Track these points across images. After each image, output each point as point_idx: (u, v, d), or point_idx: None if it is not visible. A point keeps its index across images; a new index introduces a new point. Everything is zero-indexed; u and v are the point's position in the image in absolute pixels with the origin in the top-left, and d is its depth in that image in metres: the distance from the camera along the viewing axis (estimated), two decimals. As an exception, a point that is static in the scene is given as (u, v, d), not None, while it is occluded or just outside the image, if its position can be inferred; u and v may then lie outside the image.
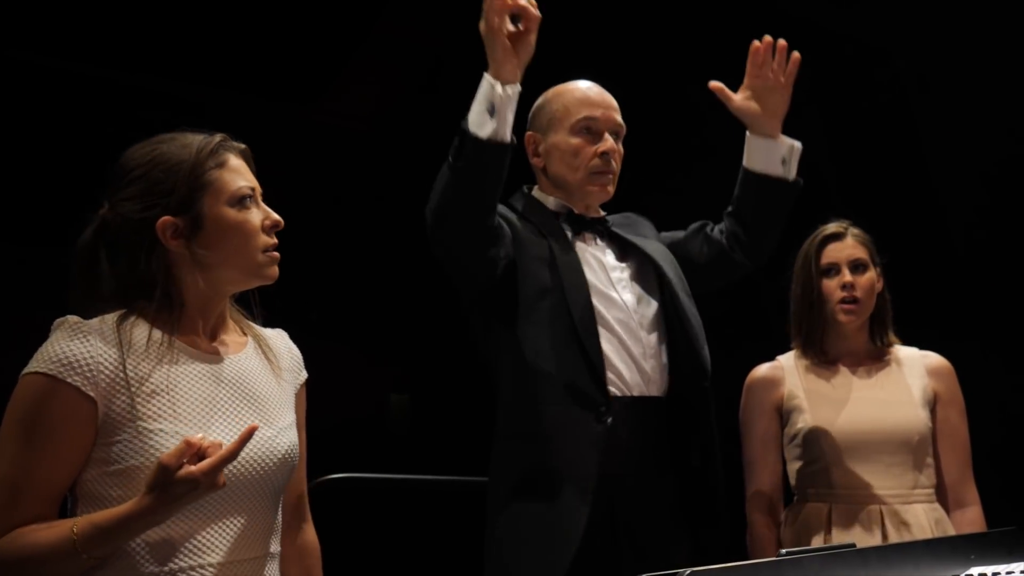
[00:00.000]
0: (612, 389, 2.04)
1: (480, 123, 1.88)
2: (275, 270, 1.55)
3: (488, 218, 1.98)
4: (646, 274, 2.20)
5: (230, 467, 1.37)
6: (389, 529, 4.10)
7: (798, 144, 2.27)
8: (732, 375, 2.47)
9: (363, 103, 4.41)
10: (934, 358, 2.41)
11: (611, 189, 2.20)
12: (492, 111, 1.88)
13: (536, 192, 2.27)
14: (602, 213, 2.28)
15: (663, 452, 2.10)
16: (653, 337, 2.13)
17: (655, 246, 2.26)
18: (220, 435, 1.43)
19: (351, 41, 4.19)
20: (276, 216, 1.54)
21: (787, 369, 2.42)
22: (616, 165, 2.19)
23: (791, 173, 2.26)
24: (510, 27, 1.87)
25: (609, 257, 2.19)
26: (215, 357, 1.53)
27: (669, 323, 2.15)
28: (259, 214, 1.53)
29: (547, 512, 1.97)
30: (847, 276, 2.35)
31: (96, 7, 3.47)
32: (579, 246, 2.17)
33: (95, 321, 1.44)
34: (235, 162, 1.53)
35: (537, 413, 2.02)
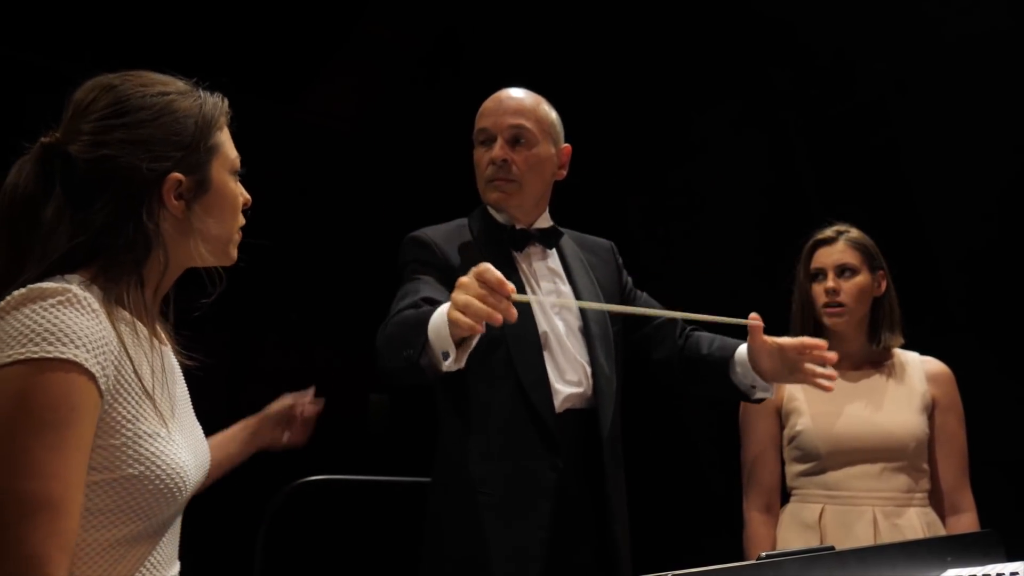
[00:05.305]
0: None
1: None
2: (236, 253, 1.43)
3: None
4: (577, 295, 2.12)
5: (186, 476, 1.26)
6: (368, 531, 4.09)
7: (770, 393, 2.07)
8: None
9: (344, 102, 4.40)
10: (933, 364, 2.42)
11: (514, 193, 2.08)
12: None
13: (489, 207, 2.17)
14: (549, 222, 2.16)
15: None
16: (580, 354, 2.06)
17: (585, 282, 2.15)
18: (181, 437, 1.28)
19: (332, 40, 4.18)
20: (248, 196, 1.43)
21: None
22: (516, 169, 2.07)
23: (751, 395, 2.06)
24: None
25: (546, 282, 2.11)
26: (166, 347, 1.37)
27: (589, 345, 2.07)
28: (240, 190, 1.41)
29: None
30: (831, 281, 2.38)
31: (80, 2, 3.45)
32: (521, 266, 2.09)
33: (87, 294, 1.19)
34: (226, 129, 1.41)
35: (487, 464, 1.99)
